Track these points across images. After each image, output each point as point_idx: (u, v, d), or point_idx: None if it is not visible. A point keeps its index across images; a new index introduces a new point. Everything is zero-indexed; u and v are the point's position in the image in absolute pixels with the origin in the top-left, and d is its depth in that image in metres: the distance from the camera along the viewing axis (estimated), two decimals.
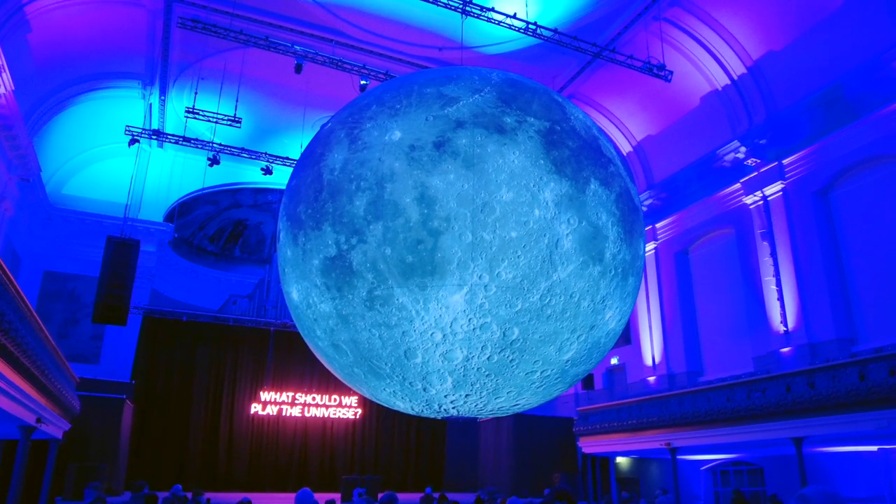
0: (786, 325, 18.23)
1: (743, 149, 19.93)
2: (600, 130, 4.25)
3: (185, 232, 27.37)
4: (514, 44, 19.87)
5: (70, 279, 22.64)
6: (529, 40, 18.42)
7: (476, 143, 3.51)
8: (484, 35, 19.31)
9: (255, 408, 24.70)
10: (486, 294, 3.37)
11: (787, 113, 18.77)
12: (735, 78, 19.77)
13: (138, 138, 20.21)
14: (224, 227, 29.14)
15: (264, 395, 24.88)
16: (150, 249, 23.42)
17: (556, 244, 3.46)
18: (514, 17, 16.57)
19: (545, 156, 3.57)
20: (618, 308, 3.94)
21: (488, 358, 3.53)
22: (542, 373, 3.76)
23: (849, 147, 17.23)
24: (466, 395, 3.74)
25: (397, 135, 3.61)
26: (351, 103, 4.32)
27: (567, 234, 3.49)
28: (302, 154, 4.32)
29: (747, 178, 20.07)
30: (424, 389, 3.73)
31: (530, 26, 16.76)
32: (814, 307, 17.73)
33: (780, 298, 18.52)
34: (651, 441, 18.17)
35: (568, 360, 3.82)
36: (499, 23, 16.57)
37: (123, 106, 21.78)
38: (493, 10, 16.32)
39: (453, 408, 3.87)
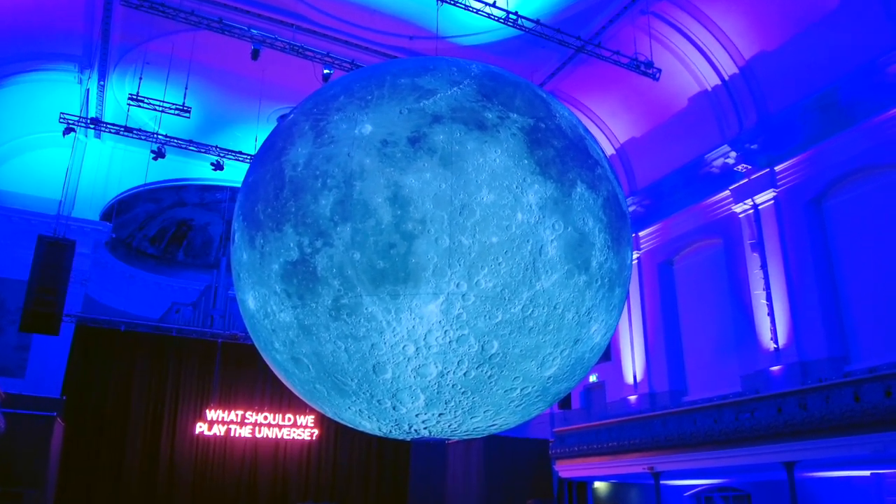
0: (776, 342, 18.54)
1: (733, 154, 20.27)
2: (587, 130, 4.28)
3: (122, 232, 26.83)
4: (491, 35, 19.96)
5: None
6: (508, 31, 18.50)
7: (454, 139, 3.49)
8: (458, 24, 19.36)
9: (200, 427, 24.26)
10: (463, 304, 3.36)
11: (779, 117, 19.13)
12: (726, 78, 20.12)
13: (74, 127, 19.78)
14: (167, 227, 28.64)
15: (210, 414, 24.45)
16: (84, 251, 22.86)
17: (540, 251, 3.46)
18: (494, 5, 16.66)
19: (529, 155, 3.58)
20: (603, 321, 3.96)
21: (465, 374, 3.51)
22: (521, 390, 3.76)
23: (844, 154, 17.62)
24: (440, 415, 3.71)
25: (368, 128, 3.58)
26: (316, 93, 4.27)
27: (551, 241, 3.49)
28: (260, 148, 4.26)
29: (737, 185, 20.40)
30: (394, 408, 3.70)
31: (510, 16, 16.86)
32: (805, 323, 18.06)
33: (770, 313, 18.84)
34: (632, 465, 18.31)
35: (550, 377, 3.82)
36: (477, 11, 16.63)
37: (57, 91, 21.30)
38: None
39: (425, 428, 3.84)
